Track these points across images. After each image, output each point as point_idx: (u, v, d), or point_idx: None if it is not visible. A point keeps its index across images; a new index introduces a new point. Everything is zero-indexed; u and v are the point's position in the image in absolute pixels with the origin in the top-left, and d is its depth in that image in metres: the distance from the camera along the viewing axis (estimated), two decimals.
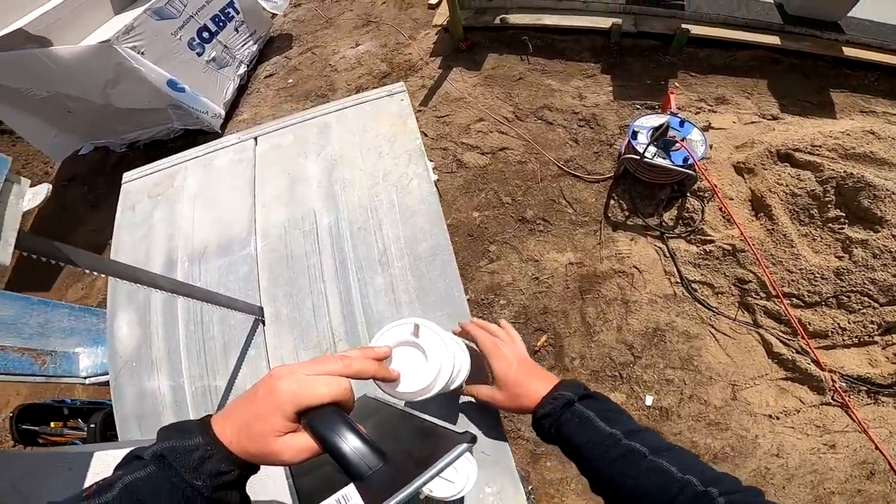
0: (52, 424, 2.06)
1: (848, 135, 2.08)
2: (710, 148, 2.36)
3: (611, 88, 2.87)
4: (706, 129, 2.53)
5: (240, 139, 1.35)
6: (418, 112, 3.09)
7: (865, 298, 1.87)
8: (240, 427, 0.41)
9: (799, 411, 1.90)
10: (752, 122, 2.55)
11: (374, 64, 3.64)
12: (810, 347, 1.88)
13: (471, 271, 2.44)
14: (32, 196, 2.98)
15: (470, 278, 2.41)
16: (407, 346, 0.63)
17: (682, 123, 2.21)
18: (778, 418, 1.90)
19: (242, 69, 3.75)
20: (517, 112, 2.97)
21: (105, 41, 2.60)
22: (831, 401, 1.86)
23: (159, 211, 1.30)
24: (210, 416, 0.44)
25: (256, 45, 3.94)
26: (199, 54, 3.23)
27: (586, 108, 2.84)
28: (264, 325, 1.05)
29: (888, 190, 1.88)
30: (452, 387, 0.68)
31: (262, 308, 1.06)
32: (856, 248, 1.91)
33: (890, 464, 1.83)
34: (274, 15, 4.22)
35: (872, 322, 1.85)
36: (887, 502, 1.84)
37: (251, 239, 1.16)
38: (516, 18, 3.24)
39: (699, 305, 2.07)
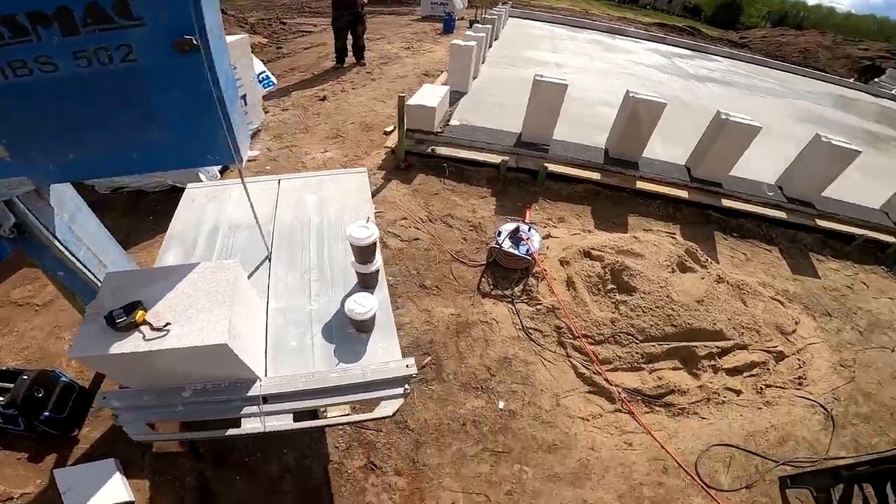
0: None
1: (621, 239, 3.65)
2: (547, 248, 3.76)
3: (494, 207, 4.35)
4: (546, 237, 3.96)
5: (271, 179, 2.43)
6: None
7: (630, 337, 3.06)
8: None
9: (601, 416, 2.71)
10: (575, 234, 4.08)
11: (335, 168, 4.89)
12: (601, 370, 2.92)
13: None
14: None
15: None
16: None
17: (529, 229, 3.62)
18: (588, 420, 2.68)
19: None
20: (430, 216, 4.26)
21: None
22: (621, 408, 2.75)
23: (212, 204, 2.29)
24: None
25: (249, 133, 5.12)
26: None
27: (476, 218, 4.21)
28: (271, 261, 2.01)
29: (638, 271, 3.29)
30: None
31: (271, 253, 2.03)
32: (621, 306, 3.19)
33: (675, 460, 2.46)
34: (266, 111, 5.53)
35: (637, 353, 2.99)
36: (686, 496, 2.39)
37: (272, 222, 2.17)
38: (441, 150, 4.78)
39: (533, 343, 3.15)
